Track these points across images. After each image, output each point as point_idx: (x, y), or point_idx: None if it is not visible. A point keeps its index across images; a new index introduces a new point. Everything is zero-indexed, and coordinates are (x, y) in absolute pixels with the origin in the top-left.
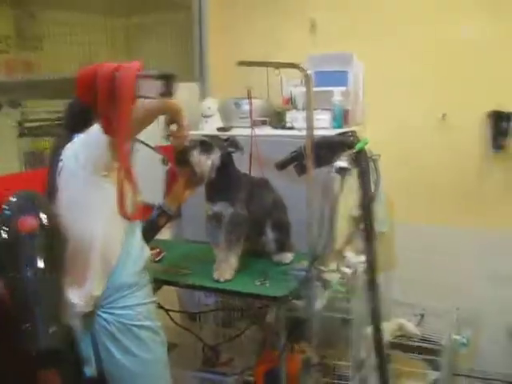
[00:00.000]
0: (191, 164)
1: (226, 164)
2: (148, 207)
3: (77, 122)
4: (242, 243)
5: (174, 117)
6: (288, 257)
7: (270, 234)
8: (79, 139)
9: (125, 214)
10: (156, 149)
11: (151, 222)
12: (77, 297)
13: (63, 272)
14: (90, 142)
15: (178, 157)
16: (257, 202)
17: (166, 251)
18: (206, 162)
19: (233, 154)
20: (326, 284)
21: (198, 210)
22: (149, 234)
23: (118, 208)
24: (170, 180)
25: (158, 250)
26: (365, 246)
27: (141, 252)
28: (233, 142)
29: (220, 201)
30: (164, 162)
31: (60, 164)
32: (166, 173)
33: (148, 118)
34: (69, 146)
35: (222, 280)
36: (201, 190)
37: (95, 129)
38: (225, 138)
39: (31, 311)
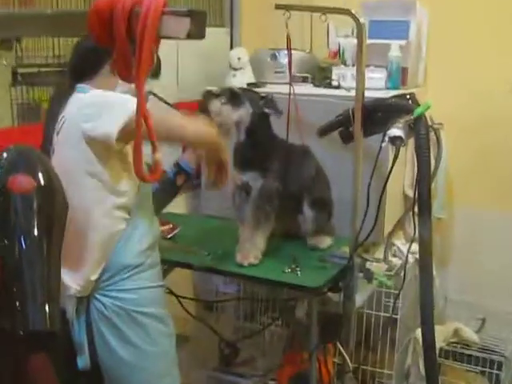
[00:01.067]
0: (210, 113)
1: (259, 126)
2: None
3: (86, 65)
4: (272, 222)
5: (213, 156)
6: (326, 241)
7: (307, 213)
8: (92, 96)
9: (142, 175)
10: (174, 106)
11: (167, 183)
12: (71, 279)
13: (62, 243)
14: (110, 103)
15: (200, 106)
16: (294, 173)
17: (181, 227)
18: (229, 115)
19: (269, 116)
20: (369, 276)
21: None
22: (164, 197)
23: (134, 167)
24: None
25: (170, 226)
26: (419, 234)
27: (150, 227)
28: (270, 102)
29: (249, 170)
30: None
31: (61, 122)
32: None
33: (180, 140)
34: (75, 100)
35: (245, 264)
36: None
37: (117, 90)
38: (262, 94)
39: (23, 286)
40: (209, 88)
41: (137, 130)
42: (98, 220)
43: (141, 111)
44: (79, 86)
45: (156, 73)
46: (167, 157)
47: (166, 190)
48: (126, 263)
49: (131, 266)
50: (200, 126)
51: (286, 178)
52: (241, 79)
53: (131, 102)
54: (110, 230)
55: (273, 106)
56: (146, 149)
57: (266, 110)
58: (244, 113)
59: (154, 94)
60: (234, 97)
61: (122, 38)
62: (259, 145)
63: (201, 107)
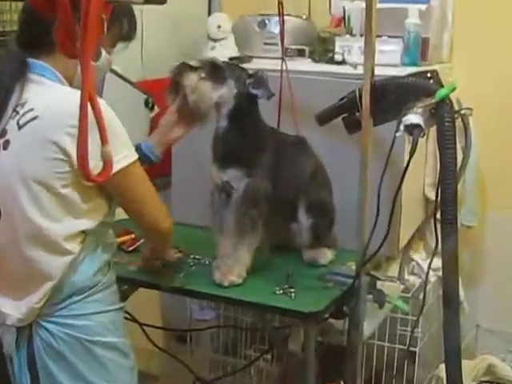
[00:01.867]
0: (182, 88)
1: (245, 110)
2: None
3: (30, 36)
4: (259, 231)
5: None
6: (327, 255)
7: (303, 220)
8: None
9: (86, 173)
10: (137, 85)
11: None
12: (11, 307)
13: None
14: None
15: (171, 80)
16: (287, 171)
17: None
18: (209, 93)
19: (257, 99)
20: (380, 299)
21: (196, 177)
22: None
23: (78, 161)
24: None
25: (132, 237)
26: (442, 246)
27: (107, 239)
28: (260, 81)
29: (231, 166)
30: (148, 103)
31: (27, 113)
32: (150, 120)
33: (137, 214)
34: (48, 92)
35: (226, 284)
36: (204, 145)
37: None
38: (249, 71)
39: None
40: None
41: (82, 117)
42: (49, 240)
43: (86, 93)
44: (35, 63)
45: (129, 36)
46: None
47: None
48: (78, 285)
49: (85, 288)
50: (164, 212)
51: (277, 177)
52: (221, 52)
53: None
54: (61, 251)
55: (263, 86)
56: None
57: (254, 91)
58: (227, 92)
59: (113, 72)
60: (215, 71)
61: (64, 3)
62: (244, 134)
63: (171, 84)
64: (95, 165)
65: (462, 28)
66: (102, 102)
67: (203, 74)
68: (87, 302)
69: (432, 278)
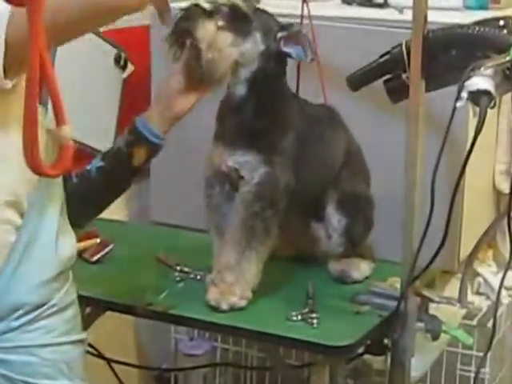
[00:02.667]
0: (194, 42)
1: (271, 75)
2: (88, 154)
3: None
4: (273, 237)
5: None
6: (362, 268)
7: (333, 220)
8: None
9: (36, 165)
10: (104, 35)
11: (115, 160)
12: None
13: None
14: None
15: (175, 28)
16: (314, 155)
17: (115, 244)
18: (229, 50)
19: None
20: (435, 327)
21: (183, 162)
22: (109, 186)
23: (23, 151)
24: (129, 98)
25: (97, 241)
26: None
27: (55, 244)
28: (296, 35)
29: (245, 149)
30: (119, 60)
31: None
32: (122, 83)
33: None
34: None
35: (224, 307)
36: (196, 118)
37: None
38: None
39: None
40: (193, 1)
41: (29, 86)
42: None
43: (35, 52)
44: None
45: None
46: None
47: (113, 172)
48: (16, 302)
49: (26, 307)
50: None
51: (302, 164)
52: None
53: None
54: None
55: (301, 42)
56: None
57: (288, 50)
58: (251, 49)
59: None
60: (237, 19)
61: None
62: (266, 106)
63: (175, 34)
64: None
65: None
66: None
67: (221, 22)
68: (30, 331)
69: (505, 299)
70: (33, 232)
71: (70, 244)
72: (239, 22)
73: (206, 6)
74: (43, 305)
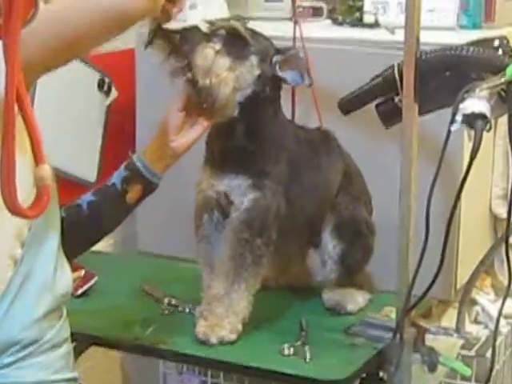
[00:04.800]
0: (190, 67)
1: (265, 99)
2: (72, 184)
3: None
4: (264, 267)
5: None
6: (357, 299)
7: (328, 246)
8: None
9: (13, 205)
10: (87, 60)
11: (110, 195)
12: None
13: None
14: None
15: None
16: (309, 179)
17: (101, 275)
18: (227, 75)
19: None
20: (432, 359)
21: (170, 187)
22: (102, 221)
23: (1, 192)
24: (113, 125)
25: (81, 274)
26: None
27: (52, 280)
28: (292, 59)
29: (234, 172)
30: (103, 85)
31: None
32: (106, 110)
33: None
34: None
35: (213, 341)
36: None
37: None
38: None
39: None
40: (189, 23)
41: (6, 124)
42: None
43: (13, 88)
44: None
45: None
46: None
47: (105, 208)
48: (10, 339)
49: (19, 345)
50: None
51: (295, 189)
52: (204, 12)
53: None
54: None
55: (297, 67)
56: None
57: (283, 75)
58: (247, 73)
59: None
60: (236, 42)
61: None
62: (258, 130)
63: (177, 61)
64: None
65: None
66: None
67: (219, 46)
68: (22, 368)
69: (504, 328)
70: (31, 266)
71: (66, 280)
72: (237, 45)
73: (205, 28)
74: (37, 341)
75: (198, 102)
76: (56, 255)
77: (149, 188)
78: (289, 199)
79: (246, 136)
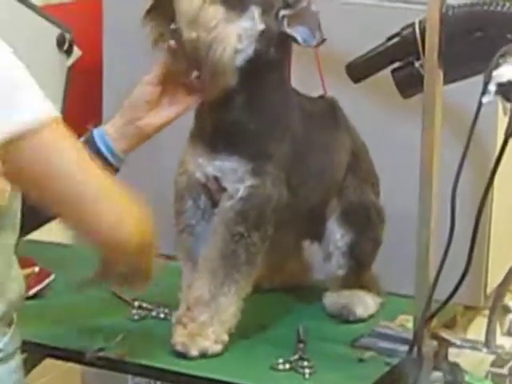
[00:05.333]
0: (176, 25)
1: (271, 63)
2: None
3: None
4: (257, 267)
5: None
6: (367, 303)
7: (334, 235)
8: None
9: None
10: (44, 12)
11: None
12: None
13: None
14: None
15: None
16: (313, 160)
17: (58, 272)
18: (224, 28)
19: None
20: (457, 377)
21: (143, 171)
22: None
23: None
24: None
25: (36, 270)
26: None
27: (2, 280)
28: (304, 12)
29: (229, 153)
30: (63, 43)
31: None
32: (67, 72)
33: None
34: None
35: (193, 352)
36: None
37: None
38: None
39: None
40: None
41: None
42: None
43: None
44: None
45: None
46: None
47: None
48: None
49: None
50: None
51: (298, 173)
52: None
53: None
54: None
55: (308, 23)
56: None
57: (291, 32)
58: (248, 28)
59: None
60: None
61: None
62: (261, 103)
63: (150, 16)
64: None
65: None
66: None
67: None
68: None
69: None
70: None
71: (18, 282)
72: None
73: None
74: None
75: (184, 68)
76: (8, 254)
77: (108, 170)
78: (291, 187)
79: (246, 109)
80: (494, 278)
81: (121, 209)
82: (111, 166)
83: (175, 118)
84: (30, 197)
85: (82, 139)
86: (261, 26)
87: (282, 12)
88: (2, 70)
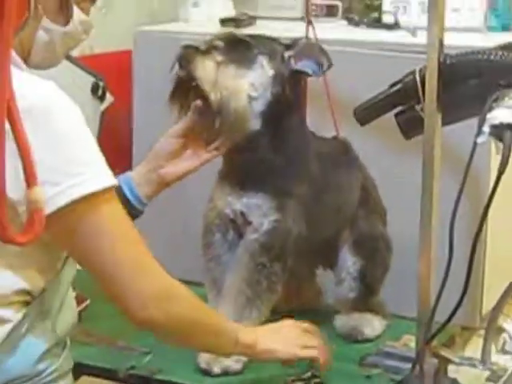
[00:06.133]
0: (196, 84)
1: (289, 103)
2: None
3: None
4: (277, 293)
5: None
6: (374, 325)
7: (346, 262)
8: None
9: (3, 232)
10: (81, 62)
11: None
12: None
13: None
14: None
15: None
16: (330, 197)
17: (92, 298)
18: (237, 83)
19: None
20: None
21: (170, 208)
22: None
23: None
24: (108, 133)
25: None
26: None
27: (62, 308)
28: (306, 48)
29: (255, 191)
30: (97, 90)
31: None
32: (101, 116)
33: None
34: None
35: (216, 370)
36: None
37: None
38: (283, 41)
39: None
40: (186, 43)
41: None
42: None
43: (3, 102)
44: None
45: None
46: None
47: None
48: (14, 372)
49: (24, 378)
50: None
51: (315, 208)
52: (207, 11)
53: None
54: None
55: (314, 55)
56: None
57: (302, 67)
58: (259, 76)
59: None
60: (236, 48)
61: None
62: (284, 144)
63: (176, 87)
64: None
65: None
66: (50, 88)
67: (220, 57)
68: None
69: None
70: (42, 300)
71: (70, 316)
72: (239, 51)
73: (199, 44)
74: (40, 374)
75: (208, 123)
76: (67, 289)
77: (131, 213)
78: (309, 221)
79: (270, 150)
80: (489, 301)
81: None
82: (134, 208)
83: (194, 170)
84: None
85: None
86: (271, 72)
87: (287, 54)
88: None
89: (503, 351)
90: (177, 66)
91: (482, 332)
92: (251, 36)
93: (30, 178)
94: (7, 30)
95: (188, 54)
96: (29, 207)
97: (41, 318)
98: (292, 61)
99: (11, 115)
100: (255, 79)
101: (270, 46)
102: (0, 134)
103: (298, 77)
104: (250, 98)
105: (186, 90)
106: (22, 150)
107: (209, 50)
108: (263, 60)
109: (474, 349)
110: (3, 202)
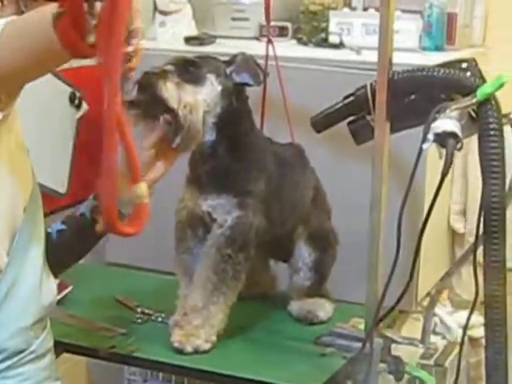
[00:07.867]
0: (164, 103)
1: (237, 113)
2: (46, 195)
3: None
4: (242, 281)
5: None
6: (327, 308)
7: (302, 254)
8: None
9: (113, 222)
10: (59, 75)
11: (78, 225)
12: None
13: None
14: None
15: (138, 95)
16: (286, 195)
17: (74, 285)
18: (193, 100)
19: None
20: (399, 368)
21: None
22: (73, 248)
23: (103, 209)
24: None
25: (56, 282)
26: (484, 294)
27: (38, 287)
28: (243, 62)
29: (218, 193)
30: (74, 99)
31: None
32: (77, 123)
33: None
34: None
35: (188, 349)
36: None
37: None
38: (223, 57)
39: None
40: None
41: (106, 150)
42: None
43: (114, 115)
44: None
45: None
46: None
47: (75, 237)
48: None
49: (6, 353)
50: None
51: (273, 205)
52: (173, 30)
53: None
54: None
55: (249, 67)
56: None
57: (241, 79)
58: (211, 92)
59: None
60: (188, 69)
61: None
62: (238, 148)
63: (143, 108)
64: None
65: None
66: None
67: (176, 79)
68: (7, 378)
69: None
70: (16, 275)
71: (51, 289)
72: (191, 72)
73: (155, 70)
74: (23, 351)
75: (172, 136)
76: (41, 264)
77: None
78: (268, 216)
79: (228, 156)
80: (423, 289)
81: None
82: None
83: (165, 173)
84: None
85: (94, 193)
86: (219, 88)
87: (228, 69)
88: None
89: (434, 332)
90: (135, 89)
91: (415, 315)
92: (198, 57)
93: (135, 176)
94: (118, 38)
95: (148, 79)
96: (135, 201)
97: (12, 285)
98: (234, 75)
99: (121, 124)
100: (207, 95)
101: (214, 64)
102: (112, 142)
103: (240, 88)
104: (205, 112)
105: (152, 109)
106: (128, 150)
107: (165, 73)
108: (212, 77)
109: (408, 330)
110: (114, 200)
